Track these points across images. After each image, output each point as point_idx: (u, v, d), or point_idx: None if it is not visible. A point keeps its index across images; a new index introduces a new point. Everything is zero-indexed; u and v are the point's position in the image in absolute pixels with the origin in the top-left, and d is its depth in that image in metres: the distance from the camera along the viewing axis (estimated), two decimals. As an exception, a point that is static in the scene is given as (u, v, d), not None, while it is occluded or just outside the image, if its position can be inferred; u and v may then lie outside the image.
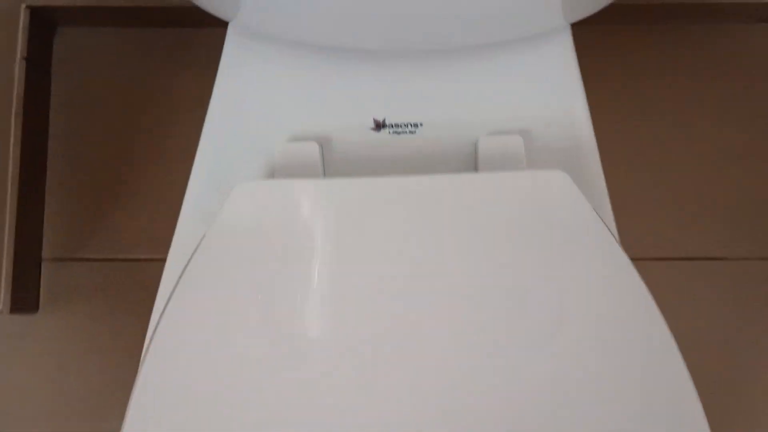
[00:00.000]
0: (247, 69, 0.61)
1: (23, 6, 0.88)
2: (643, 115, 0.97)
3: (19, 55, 0.87)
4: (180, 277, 0.49)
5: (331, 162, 0.61)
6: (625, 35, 0.98)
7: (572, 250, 0.52)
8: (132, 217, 0.96)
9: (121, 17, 0.92)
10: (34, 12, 0.89)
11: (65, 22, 0.95)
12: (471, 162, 0.61)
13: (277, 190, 0.53)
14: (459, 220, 0.52)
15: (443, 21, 0.54)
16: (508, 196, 0.52)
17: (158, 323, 0.47)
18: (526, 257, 0.51)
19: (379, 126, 0.61)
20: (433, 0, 0.51)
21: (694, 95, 0.97)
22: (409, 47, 0.59)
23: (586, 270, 0.51)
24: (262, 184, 0.53)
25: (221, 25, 0.61)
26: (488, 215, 0.52)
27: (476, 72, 0.62)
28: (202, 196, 0.60)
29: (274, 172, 0.59)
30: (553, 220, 0.52)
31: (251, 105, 0.62)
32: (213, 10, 0.57)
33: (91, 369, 0.91)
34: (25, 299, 0.92)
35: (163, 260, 0.56)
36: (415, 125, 0.61)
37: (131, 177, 0.96)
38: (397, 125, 0.61)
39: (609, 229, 0.53)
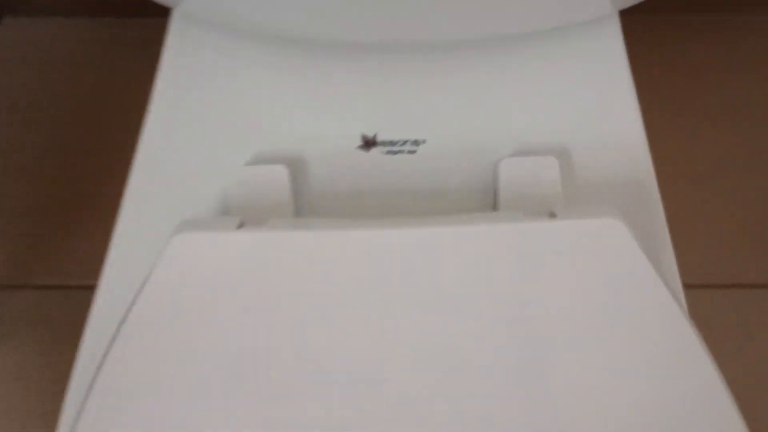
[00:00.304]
0: (196, 68, 0.47)
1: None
2: (698, 119, 0.83)
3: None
4: (113, 340, 0.39)
5: (305, 192, 0.47)
6: (677, 24, 0.83)
7: (628, 324, 0.38)
8: (83, 240, 0.84)
9: (67, 6, 0.79)
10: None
11: (8, 12, 0.81)
12: (489, 192, 0.46)
13: (216, 244, 0.39)
14: (470, 285, 0.38)
15: (459, 2, 0.40)
16: (541, 255, 0.38)
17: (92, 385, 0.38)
18: (569, 335, 0.37)
19: (369, 143, 0.47)
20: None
21: (757, 95, 0.82)
22: (408, 40, 0.45)
23: (644, 346, 0.38)
24: (199, 237, 0.40)
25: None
26: (515, 278, 0.38)
27: (496, 72, 0.47)
28: (135, 230, 0.46)
29: (229, 204, 0.45)
30: (603, 287, 0.38)
31: (200, 115, 0.47)
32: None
33: (40, 401, 0.80)
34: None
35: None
36: (416, 143, 0.47)
37: (80, 187, 0.84)
38: (392, 142, 0.47)
39: (674, 295, 0.39)
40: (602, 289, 0.39)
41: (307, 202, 0.47)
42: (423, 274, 0.39)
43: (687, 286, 0.46)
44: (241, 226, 0.42)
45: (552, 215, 0.41)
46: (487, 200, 0.46)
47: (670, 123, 0.83)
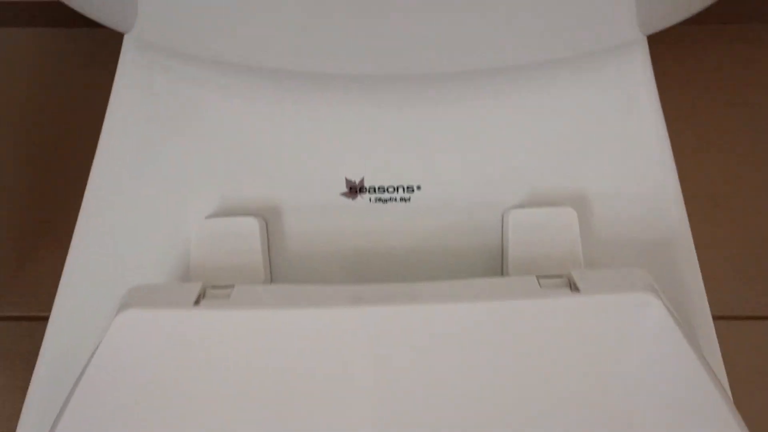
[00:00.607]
0: (152, 100, 0.40)
1: None
2: (722, 141, 0.76)
3: None
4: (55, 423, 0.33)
5: (280, 248, 0.40)
6: (696, 37, 0.76)
7: (665, 417, 0.32)
8: (54, 267, 0.77)
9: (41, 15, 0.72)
10: None
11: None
12: (495, 247, 0.40)
13: (167, 322, 0.32)
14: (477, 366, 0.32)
15: (466, 31, 0.33)
16: (563, 338, 0.32)
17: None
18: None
19: (355, 190, 0.40)
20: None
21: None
22: (398, 71, 0.38)
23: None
24: (147, 314, 0.33)
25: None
26: (533, 358, 0.32)
27: (503, 106, 0.40)
28: (80, 296, 0.39)
29: (192, 262, 0.38)
30: (636, 374, 0.32)
31: (158, 155, 0.40)
32: (98, 15, 0.36)
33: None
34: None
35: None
36: (409, 189, 0.40)
37: (52, 219, 0.78)
38: (381, 189, 0.40)
39: (717, 382, 0.33)
40: (635, 377, 0.33)
41: (282, 259, 0.40)
42: (417, 362, 0.33)
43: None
44: (201, 294, 0.35)
45: (572, 283, 0.35)
46: (494, 259, 0.40)
47: (686, 142, 0.76)
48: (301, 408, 0.32)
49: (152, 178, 0.41)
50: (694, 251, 0.39)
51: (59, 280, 0.76)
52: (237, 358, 0.34)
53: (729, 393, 0.39)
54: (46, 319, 0.78)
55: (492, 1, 0.31)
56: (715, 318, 0.40)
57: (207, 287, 0.36)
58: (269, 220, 0.40)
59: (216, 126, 0.41)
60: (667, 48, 0.77)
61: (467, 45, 0.34)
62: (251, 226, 0.39)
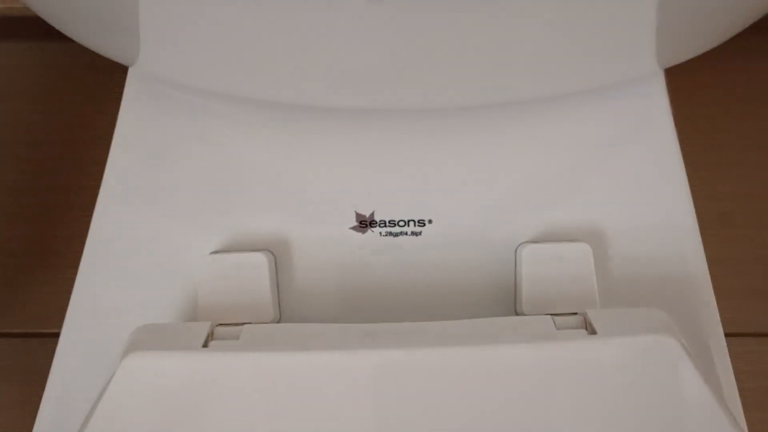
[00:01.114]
0: (157, 131, 0.39)
1: None
2: (736, 155, 0.75)
3: None
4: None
5: (290, 283, 0.39)
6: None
7: None
8: (55, 283, 0.76)
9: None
10: None
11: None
12: (508, 282, 0.39)
13: (175, 365, 0.32)
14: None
15: (484, 68, 0.32)
16: (580, 381, 0.31)
17: None
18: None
19: (366, 224, 0.39)
20: (453, 27, 0.29)
21: None
22: (409, 106, 0.37)
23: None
24: (155, 357, 0.32)
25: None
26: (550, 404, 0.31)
27: (516, 139, 0.40)
28: (84, 337, 0.39)
29: (199, 300, 0.38)
30: (655, 422, 0.31)
31: (163, 188, 0.40)
32: (103, 49, 0.35)
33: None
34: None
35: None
36: (421, 223, 0.39)
37: (53, 234, 0.77)
38: (392, 223, 0.39)
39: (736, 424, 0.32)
40: (654, 421, 0.32)
41: (290, 294, 0.39)
42: (430, 405, 0.32)
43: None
44: (210, 334, 0.34)
45: (588, 324, 0.34)
46: (507, 294, 0.39)
47: (697, 156, 0.75)
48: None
49: (157, 210, 0.40)
50: (711, 288, 0.38)
51: (51, 297, 0.75)
52: (247, 401, 0.33)
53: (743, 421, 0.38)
54: (36, 335, 0.77)
55: (507, 38, 0.31)
56: (728, 335, 0.39)
57: (215, 326, 0.35)
58: (277, 254, 0.39)
59: (222, 158, 0.40)
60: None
61: (484, 81, 0.34)
62: (259, 261, 0.38)
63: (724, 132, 0.75)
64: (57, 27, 0.36)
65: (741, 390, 0.40)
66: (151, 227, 0.40)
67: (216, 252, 0.38)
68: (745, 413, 0.38)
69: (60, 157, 0.77)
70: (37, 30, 0.72)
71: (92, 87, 0.77)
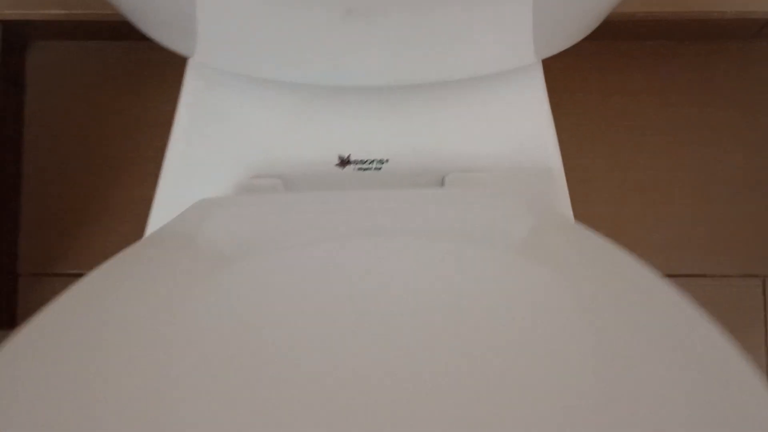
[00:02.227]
0: (208, 103, 0.60)
1: (-7, 21, 0.86)
2: (630, 138, 0.96)
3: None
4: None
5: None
6: (613, 53, 0.96)
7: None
8: (108, 231, 0.96)
9: (93, 31, 0.91)
10: (7, 27, 0.88)
11: (38, 36, 0.93)
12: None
13: (239, 205, 0.51)
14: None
15: (408, 58, 0.53)
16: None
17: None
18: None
19: (344, 162, 0.60)
20: (396, 39, 0.49)
21: (683, 117, 0.96)
22: (372, 84, 0.58)
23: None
24: (224, 200, 0.52)
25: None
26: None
27: (443, 108, 0.60)
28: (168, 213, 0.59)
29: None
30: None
31: (212, 140, 0.60)
32: (171, 47, 0.56)
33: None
34: (1, 314, 0.92)
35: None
36: (381, 162, 0.60)
37: (107, 191, 0.96)
38: (362, 161, 0.60)
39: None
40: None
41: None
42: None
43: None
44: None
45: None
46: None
47: (601, 139, 0.96)
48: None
49: (209, 157, 0.60)
50: (569, 200, 0.59)
51: (114, 241, 0.94)
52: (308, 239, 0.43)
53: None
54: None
55: (432, 39, 0.51)
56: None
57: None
58: (288, 182, 0.60)
59: (251, 124, 0.60)
60: (585, 64, 0.96)
61: (418, 69, 0.54)
62: (276, 184, 0.58)
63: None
64: (134, 23, 0.56)
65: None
66: (205, 169, 0.60)
67: (248, 179, 0.59)
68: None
69: (121, 132, 0.97)
70: (100, 32, 0.91)
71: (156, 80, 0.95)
